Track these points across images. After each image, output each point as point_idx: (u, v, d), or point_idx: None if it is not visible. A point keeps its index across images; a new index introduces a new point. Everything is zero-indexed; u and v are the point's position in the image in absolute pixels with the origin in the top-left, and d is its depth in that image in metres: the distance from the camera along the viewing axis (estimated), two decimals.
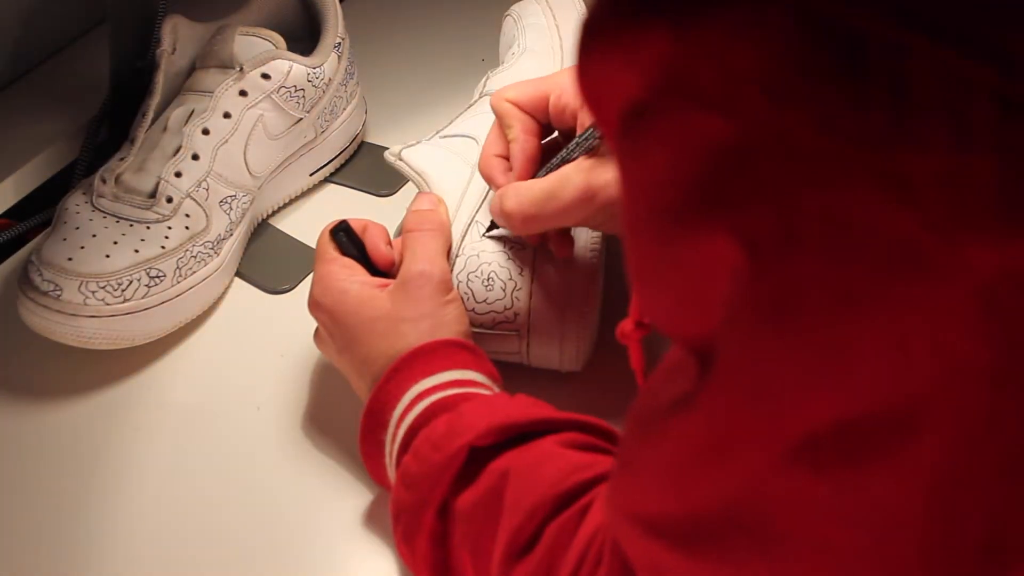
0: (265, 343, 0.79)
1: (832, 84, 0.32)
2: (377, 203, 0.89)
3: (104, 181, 0.78)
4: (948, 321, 0.32)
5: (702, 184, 0.35)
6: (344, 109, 0.89)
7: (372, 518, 0.69)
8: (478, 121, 0.78)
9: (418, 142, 0.78)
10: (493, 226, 0.72)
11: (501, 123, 0.71)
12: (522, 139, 0.70)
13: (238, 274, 0.83)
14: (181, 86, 0.83)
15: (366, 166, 0.92)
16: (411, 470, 0.60)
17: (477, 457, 0.59)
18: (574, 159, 0.67)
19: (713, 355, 0.37)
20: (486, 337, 0.71)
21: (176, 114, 0.80)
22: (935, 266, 0.32)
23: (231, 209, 0.81)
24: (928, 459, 0.34)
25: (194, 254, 0.78)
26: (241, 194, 0.81)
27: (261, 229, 0.86)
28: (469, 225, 0.72)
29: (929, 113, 0.31)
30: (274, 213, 0.88)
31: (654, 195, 0.37)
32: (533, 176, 0.69)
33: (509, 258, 0.71)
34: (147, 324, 0.76)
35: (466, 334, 0.68)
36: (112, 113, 0.89)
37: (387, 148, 0.92)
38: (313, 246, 0.84)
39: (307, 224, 0.87)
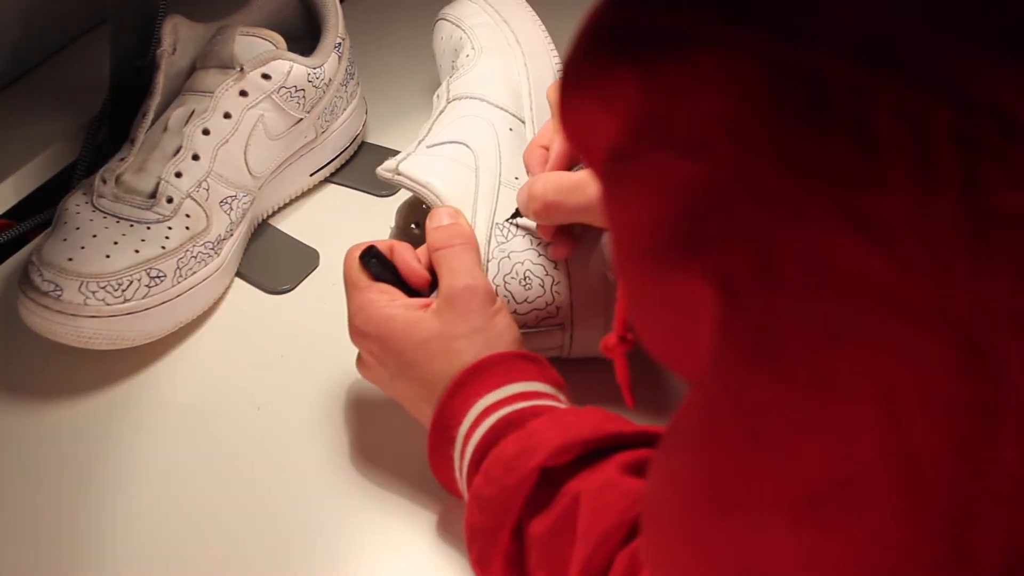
0: (265, 343, 0.79)
1: (797, 126, 0.32)
2: (377, 203, 0.89)
3: (104, 181, 0.78)
4: (929, 360, 0.32)
5: (676, 226, 0.35)
6: (344, 109, 0.89)
7: (372, 518, 0.69)
8: (464, 125, 0.77)
9: (407, 155, 0.76)
10: (517, 214, 0.72)
11: (553, 114, 0.72)
12: (558, 145, 0.71)
13: (238, 274, 0.83)
14: (181, 86, 0.83)
15: (366, 166, 0.91)
16: (484, 493, 0.59)
17: (550, 478, 0.58)
18: None
19: (706, 395, 0.38)
20: (528, 336, 0.70)
21: (176, 114, 0.80)
22: (911, 307, 0.32)
23: (231, 209, 0.81)
24: (933, 499, 0.34)
25: (194, 254, 0.78)
26: (241, 194, 0.81)
27: (261, 229, 0.86)
28: (491, 229, 0.72)
29: (893, 153, 0.31)
30: (274, 213, 0.88)
31: (635, 236, 0.37)
32: (568, 170, 0.70)
33: (540, 254, 0.71)
34: (147, 324, 0.76)
35: (519, 342, 0.67)
36: (112, 113, 0.89)
37: (387, 148, 0.92)
38: (313, 246, 0.85)
39: (307, 224, 0.87)
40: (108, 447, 0.74)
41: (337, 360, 0.77)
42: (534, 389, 0.63)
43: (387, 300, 0.68)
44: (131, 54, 0.87)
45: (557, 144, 0.71)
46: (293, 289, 0.83)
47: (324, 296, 0.82)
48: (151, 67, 0.83)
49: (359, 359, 0.71)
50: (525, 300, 0.70)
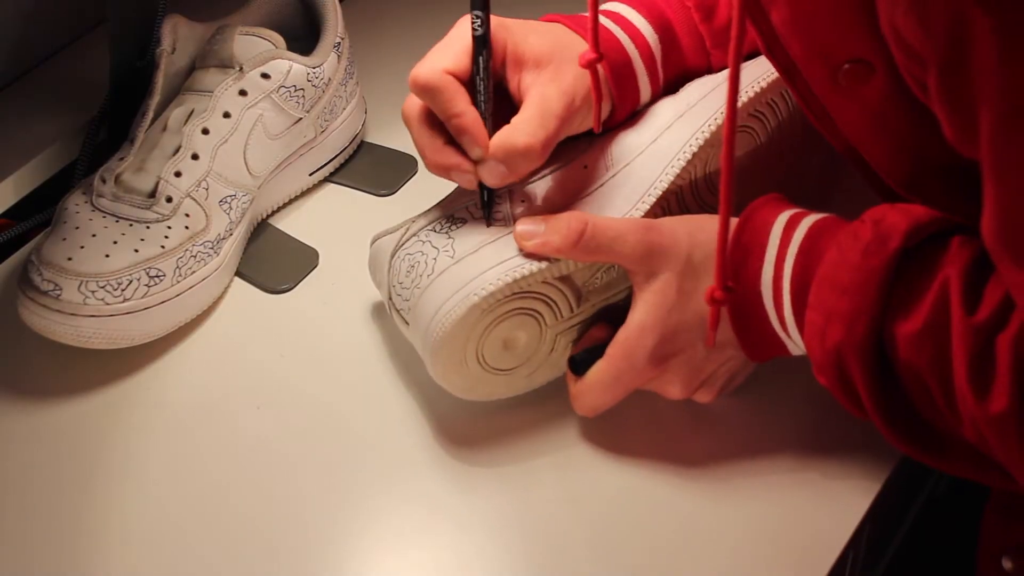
0: (265, 343, 0.79)
1: None
2: (377, 203, 0.89)
3: (104, 181, 0.78)
4: None
5: None
6: (344, 109, 0.89)
7: (372, 517, 0.69)
8: None
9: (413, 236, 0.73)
10: (491, 201, 0.70)
11: (440, 98, 0.67)
12: (471, 111, 0.67)
13: (238, 274, 0.83)
14: (181, 86, 0.83)
15: (366, 166, 0.92)
16: (841, 279, 0.59)
17: (908, 266, 0.58)
18: (488, 97, 0.68)
19: None
20: (395, 317, 0.71)
21: (176, 114, 0.80)
22: None
23: (231, 209, 0.81)
24: None
25: (194, 254, 0.78)
26: (241, 194, 0.81)
27: (261, 229, 0.86)
28: (447, 216, 0.70)
29: None
30: (274, 213, 0.88)
31: None
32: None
33: (435, 257, 0.68)
34: (147, 324, 0.76)
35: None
36: (112, 113, 0.89)
37: (387, 148, 0.92)
38: (312, 246, 0.85)
39: (307, 224, 0.87)
40: (107, 447, 0.74)
41: (337, 359, 0.77)
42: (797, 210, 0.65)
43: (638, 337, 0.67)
44: (131, 54, 0.87)
45: (470, 121, 0.67)
46: (292, 288, 0.83)
47: (324, 296, 0.82)
48: (150, 66, 0.83)
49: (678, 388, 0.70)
50: (400, 283, 0.70)
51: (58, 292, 0.73)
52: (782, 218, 0.65)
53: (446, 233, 0.70)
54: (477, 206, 0.70)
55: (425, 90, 0.67)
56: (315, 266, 0.84)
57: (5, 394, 0.77)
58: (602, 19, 0.71)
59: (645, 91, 0.73)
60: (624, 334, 0.67)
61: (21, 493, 0.72)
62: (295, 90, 0.83)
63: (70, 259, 0.74)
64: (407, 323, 0.70)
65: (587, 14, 0.66)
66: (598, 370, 0.68)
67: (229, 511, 0.70)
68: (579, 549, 0.68)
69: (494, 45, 0.68)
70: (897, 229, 0.59)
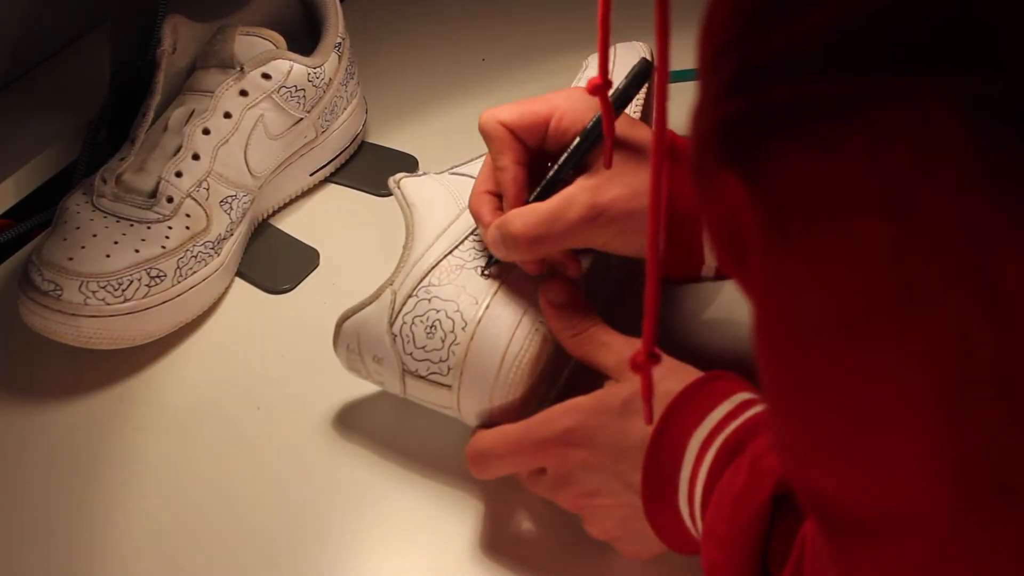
0: (265, 343, 0.79)
1: (1009, 163, 0.31)
2: (378, 203, 0.89)
3: (104, 181, 0.78)
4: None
5: (886, 289, 0.34)
6: (344, 109, 0.89)
7: (373, 517, 0.69)
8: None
9: (425, 174, 0.75)
10: (491, 262, 0.68)
11: (491, 147, 0.67)
12: (513, 169, 0.67)
13: (239, 274, 0.83)
14: (181, 86, 0.83)
15: (367, 166, 0.92)
16: (718, 531, 0.56)
17: (790, 505, 0.54)
18: (563, 177, 0.66)
19: None
20: (420, 384, 0.68)
21: (176, 114, 0.80)
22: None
23: (232, 209, 0.81)
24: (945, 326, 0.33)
25: (194, 254, 0.78)
26: (242, 194, 0.81)
27: (262, 229, 0.86)
28: (434, 266, 0.68)
29: None
30: (275, 213, 0.88)
31: (825, 311, 0.35)
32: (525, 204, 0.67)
33: (457, 309, 0.67)
34: (147, 324, 0.76)
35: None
36: (112, 113, 0.89)
37: (388, 148, 0.92)
38: (313, 246, 0.85)
39: (308, 224, 0.87)
40: (108, 447, 0.74)
41: (337, 360, 0.77)
42: (740, 400, 0.59)
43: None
44: (131, 54, 0.87)
45: (508, 180, 0.67)
46: (293, 289, 0.83)
47: (324, 296, 0.82)
48: (151, 67, 0.83)
49: (588, 520, 0.65)
50: (422, 348, 0.67)
51: (59, 292, 0.73)
52: (696, 438, 0.59)
53: (449, 284, 0.67)
54: (453, 254, 0.69)
55: (480, 132, 0.68)
56: (316, 266, 0.84)
57: (5, 394, 0.77)
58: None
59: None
60: (556, 407, 0.64)
61: (22, 493, 0.71)
62: (296, 90, 0.83)
63: (71, 259, 0.74)
64: (447, 386, 0.67)
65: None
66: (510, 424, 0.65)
67: (229, 511, 0.70)
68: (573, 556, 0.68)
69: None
70: (771, 472, 0.54)
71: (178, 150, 0.79)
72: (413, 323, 0.67)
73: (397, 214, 0.75)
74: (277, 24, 0.88)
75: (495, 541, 0.68)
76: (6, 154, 0.88)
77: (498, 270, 0.68)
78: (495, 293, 0.67)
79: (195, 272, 0.78)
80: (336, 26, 0.87)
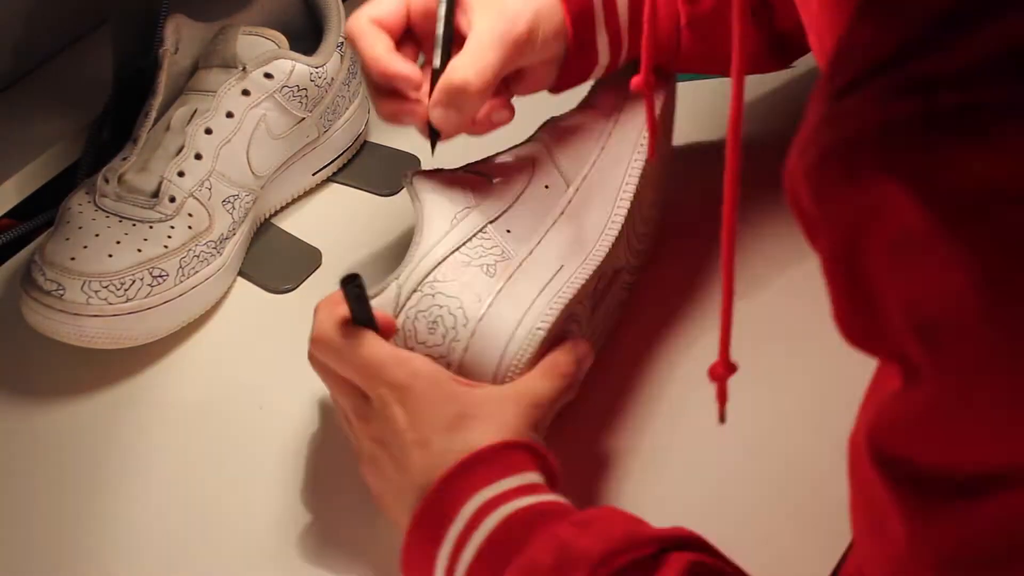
0: (268, 343, 0.79)
1: None
2: (380, 203, 0.89)
3: (107, 181, 0.78)
4: None
5: None
6: (347, 108, 0.89)
7: (373, 517, 0.69)
8: (508, 159, 0.75)
9: (439, 169, 0.74)
10: (435, 139, 0.70)
11: (360, 44, 0.67)
12: (389, 56, 0.67)
13: (241, 274, 0.83)
14: (184, 86, 0.83)
15: (369, 166, 0.92)
16: None
17: None
18: (451, 36, 0.68)
19: None
20: None
21: (179, 114, 0.80)
22: None
23: (234, 208, 0.81)
24: None
25: (197, 254, 0.78)
26: (244, 193, 0.81)
27: (264, 229, 0.86)
28: (440, 262, 0.68)
29: None
30: (277, 213, 0.88)
31: (979, 299, 0.36)
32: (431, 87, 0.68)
33: (460, 307, 0.66)
34: (150, 324, 0.76)
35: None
36: (115, 113, 0.89)
37: (390, 148, 0.92)
38: (315, 246, 0.85)
39: (310, 224, 0.87)
40: (110, 447, 0.74)
41: None
42: (531, 481, 0.59)
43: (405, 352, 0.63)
44: (134, 54, 0.87)
45: (405, 65, 0.67)
46: (295, 288, 0.83)
47: (326, 296, 0.82)
48: (153, 67, 0.83)
49: (364, 455, 0.65)
50: (423, 343, 0.66)
51: (61, 292, 0.73)
52: (466, 510, 0.58)
53: (454, 281, 0.67)
54: (460, 250, 0.69)
55: (348, 39, 0.69)
56: (318, 266, 0.84)
57: (7, 394, 0.77)
58: None
59: (603, 53, 0.72)
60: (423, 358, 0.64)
61: (23, 493, 0.72)
62: (298, 90, 0.83)
63: (73, 259, 0.74)
64: None
65: None
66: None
67: (231, 511, 0.70)
68: None
69: None
70: (586, 558, 0.53)
71: (180, 150, 0.79)
72: (416, 318, 0.66)
73: (400, 214, 0.75)
74: (279, 24, 0.88)
75: None
76: (9, 154, 0.88)
77: (504, 266, 0.68)
78: (499, 291, 0.67)
79: (197, 272, 0.78)
80: (338, 26, 0.87)
